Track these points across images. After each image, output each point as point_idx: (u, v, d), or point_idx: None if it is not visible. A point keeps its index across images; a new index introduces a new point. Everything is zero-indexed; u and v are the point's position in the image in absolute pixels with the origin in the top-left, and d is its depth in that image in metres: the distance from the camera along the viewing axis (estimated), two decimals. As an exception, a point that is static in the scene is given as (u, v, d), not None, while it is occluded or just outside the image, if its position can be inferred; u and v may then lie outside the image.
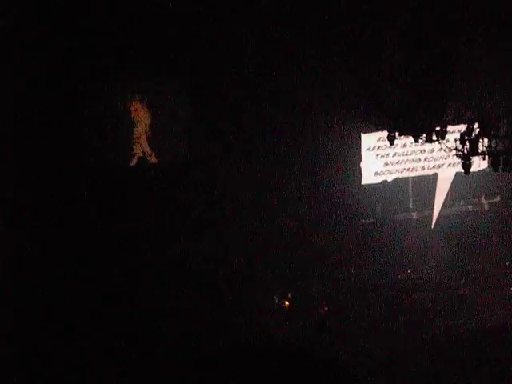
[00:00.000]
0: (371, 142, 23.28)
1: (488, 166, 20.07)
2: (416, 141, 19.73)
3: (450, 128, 19.54)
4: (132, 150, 19.94)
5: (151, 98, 19.77)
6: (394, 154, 23.51)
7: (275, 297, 21.41)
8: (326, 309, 21.14)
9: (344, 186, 22.91)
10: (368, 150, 23.36)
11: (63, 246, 18.27)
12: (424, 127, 18.93)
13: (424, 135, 19.13)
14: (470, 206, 24.77)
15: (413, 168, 23.89)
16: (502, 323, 19.83)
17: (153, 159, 20.01)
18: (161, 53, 18.43)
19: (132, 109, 19.76)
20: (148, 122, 19.85)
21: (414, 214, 24.74)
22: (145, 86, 19.78)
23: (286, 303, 21.45)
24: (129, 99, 19.69)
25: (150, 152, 20.02)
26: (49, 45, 17.54)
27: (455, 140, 18.73)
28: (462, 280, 22.42)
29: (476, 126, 18.34)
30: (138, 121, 19.77)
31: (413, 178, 24.43)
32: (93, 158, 19.16)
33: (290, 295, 21.50)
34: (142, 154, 19.99)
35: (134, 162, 19.98)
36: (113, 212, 19.01)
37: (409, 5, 16.31)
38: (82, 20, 17.60)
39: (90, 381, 16.58)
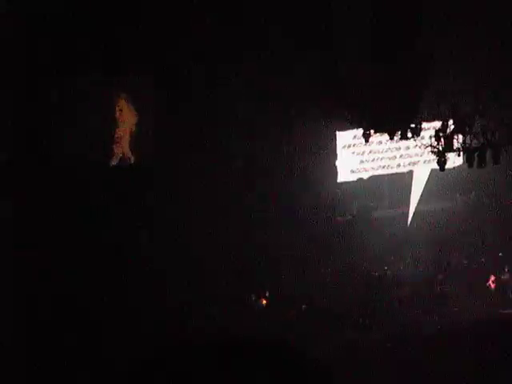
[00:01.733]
0: (347, 139, 23.33)
1: (463, 163, 20.16)
2: (391, 138, 19.79)
3: (424, 125, 19.62)
4: (112, 150, 19.75)
5: (136, 98, 19.61)
6: (370, 152, 23.57)
7: (252, 295, 21.40)
8: (302, 307, 21.16)
9: (320, 184, 22.92)
10: (343, 147, 23.40)
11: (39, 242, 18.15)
12: (399, 124, 18.98)
13: (399, 132, 19.18)
14: (445, 203, 24.88)
15: (388, 165, 23.96)
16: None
17: (131, 160, 19.85)
18: (148, 52, 18.37)
19: (117, 108, 19.57)
20: (133, 122, 19.67)
21: (390, 211, 24.81)
22: (131, 84, 19.58)
23: (264, 301, 21.44)
24: (115, 97, 19.52)
25: (129, 153, 19.84)
26: (34, 42, 17.42)
27: (430, 137, 18.83)
28: (440, 277, 22.53)
29: (451, 122, 18.44)
30: (122, 121, 19.59)
31: (388, 175, 24.51)
32: (73, 155, 18.97)
33: (267, 294, 21.50)
34: (121, 155, 19.82)
35: (114, 162, 19.81)
36: (86, 211, 18.89)
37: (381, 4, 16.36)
38: (69, 17, 17.47)
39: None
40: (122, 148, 19.75)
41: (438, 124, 19.15)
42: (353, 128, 22.09)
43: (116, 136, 19.63)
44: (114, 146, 19.72)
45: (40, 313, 17.67)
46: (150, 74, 19.25)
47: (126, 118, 19.61)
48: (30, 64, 17.51)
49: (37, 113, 18.08)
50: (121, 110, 19.59)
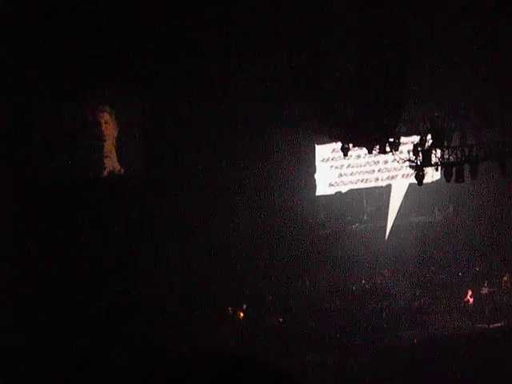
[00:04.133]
0: (325, 153, 23.36)
1: (441, 177, 20.24)
2: (370, 152, 19.81)
3: (403, 139, 19.67)
4: (103, 163, 19.65)
5: (119, 111, 19.52)
6: (348, 165, 23.61)
7: (230, 308, 21.33)
8: (279, 319, 21.10)
9: (298, 197, 22.93)
10: (322, 161, 23.43)
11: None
12: (377, 138, 19.02)
13: (377, 146, 19.22)
14: (423, 217, 24.94)
15: (367, 179, 24.01)
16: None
17: (121, 172, 19.78)
18: (130, 64, 18.30)
19: (102, 121, 19.47)
20: (115, 135, 19.59)
21: (368, 225, 24.84)
22: (114, 96, 19.50)
23: (241, 314, 21.38)
24: (99, 110, 19.43)
25: (118, 167, 19.75)
26: (21, 56, 17.34)
27: (408, 151, 18.86)
28: (418, 291, 22.54)
29: (429, 137, 18.49)
30: (107, 135, 19.50)
31: (366, 189, 24.56)
32: (62, 169, 18.88)
33: (244, 306, 21.43)
34: (111, 168, 19.72)
35: (104, 175, 19.72)
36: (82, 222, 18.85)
37: (361, 15, 16.40)
38: (57, 29, 17.40)
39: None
40: (111, 161, 19.65)
41: (416, 138, 19.19)
42: (331, 141, 22.13)
43: (104, 149, 19.54)
44: (104, 160, 19.62)
45: (36, 328, 17.58)
46: (133, 85, 19.19)
47: (112, 131, 19.53)
48: (17, 78, 17.41)
49: (22, 128, 18.00)
50: (106, 123, 19.50)
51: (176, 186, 20.10)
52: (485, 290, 22.16)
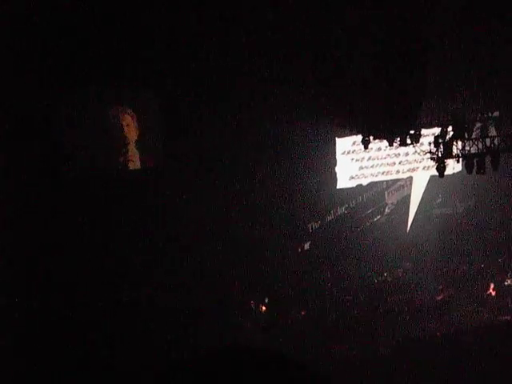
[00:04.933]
0: (346, 146, 23.34)
1: (462, 169, 20.16)
2: (390, 144, 19.77)
3: (424, 131, 19.61)
4: (128, 168, 19.65)
5: (140, 113, 19.50)
6: (369, 158, 23.58)
7: (252, 302, 21.37)
8: (303, 313, 21.13)
9: (319, 190, 22.93)
10: (343, 154, 23.41)
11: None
12: (398, 131, 18.97)
13: (398, 139, 19.17)
14: (444, 209, 24.87)
15: (387, 172, 23.97)
16: None
17: (140, 171, 19.77)
18: (151, 65, 18.31)
19: (124, 123, 19.47)
20: (136, 138, 19.58)
21: (390, 218, 24.81)
22: (135, 99, 19.46)
23: (263, 308, 21.42)
24: (121, 112, 19.43)
25: (138, 165, 19.73)
26: (41, 50, 17.37)
27: (429, 143, 18.80)
28: (441, 286, 22.46)
29: (450, 128, 18.42)
30: (130, 137, 19.50)
31: (387, 181, 24.53)
32: (84, 168, 18.91)
33: (266, 300, 21.47)
34: (131, 167, 19.70)
35: (125, 174, 19.72)
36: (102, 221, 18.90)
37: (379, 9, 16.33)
38: (78, 26, 17.41)
39: None
40: (134, 164, 19.65)
41: (437, 130, 19.12)
42: (352, 134, 22.09)
43: (128, 154, 19.53)
44: (128, 164, 19.63)
45: (46, 324, 17.63)
46: (153, 86, 19.20)
47: (134, 134, 19.52)
48: (36, 77, 17.45)
49: (42, 126, 18.06)
50: (128, 126, 19.49)
51: (198, 183, 20.12)
52: (508, 282, 22.06)
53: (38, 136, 17.90)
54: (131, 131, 19.49)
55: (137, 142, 19.54)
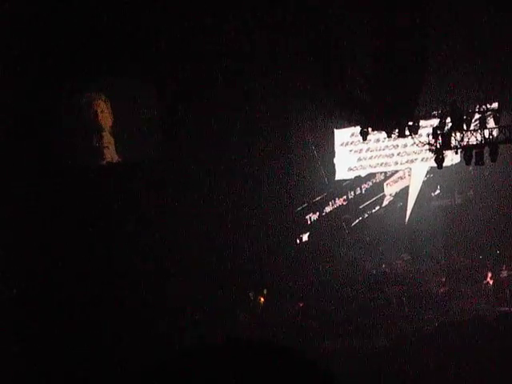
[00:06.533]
0: (344, 137, 23.33)
1: (460, 161, 20.15)
2: (389, 136, 19.76)
3: (422, 123, 19.61)
4: (103, 154, 19.51)
5: (114, 99, 19.36)
6: (368, 150, 23.56)
7: (251, 293, 21.39)
8: (301, 305, 21.13)
9: (319, 182, 22.94)
10: (341, 145, 23.40)
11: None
12: (397, 122, 18.96)
13: (397, 130, 19.16)
14: (443, 200, 24.87)
15: (386, 163, 23.95)
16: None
17: (119, 162, 19.60)
18: (128, 51, 18.16)
19: (98, 110, 19.32)
20: (110, 124, 19.40)
21: (388, 209, 24.82)
22: (108, 85, 19.29)
23: (262, 299, 21.44)
24: (94, 98, 19.27)
25: (117, 157, 19.58)
26: (17, 44, 17.26)
27: (428, 134, 18.79)
28: (443, 279, 22.47)
29: (448, 120, 18.40)
30: (104, 124, 19.34)
31: (386, 173, 24.55)
32: (63, 160, 18.75)
33: (265, 292, 21.48)
34: (110, 159, 19.56)
35: (102, 164, 19.56)
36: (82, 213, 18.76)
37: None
38: (55, 16, 17.29)
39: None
40: (110, 151, 19.50)
41: (435, 122, 19.11)
42: (350, 126, 22.08)
43: (103, 140, 19.40)
44: (104, 150, 19.46)
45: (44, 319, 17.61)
46: (130, 74, 19.02)
47: (108, 120, 19.37)
48: (20, 68, 17.34)
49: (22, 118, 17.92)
50: (102, 112, 19.34)
51: (194, 174, 20.05)
52: (504, 274, 22.07)
53: (18, 129, 17.77)
54: (105, 117, 19.35)
55: (111, 127, 19.40)
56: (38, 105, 17.94)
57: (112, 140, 19.39)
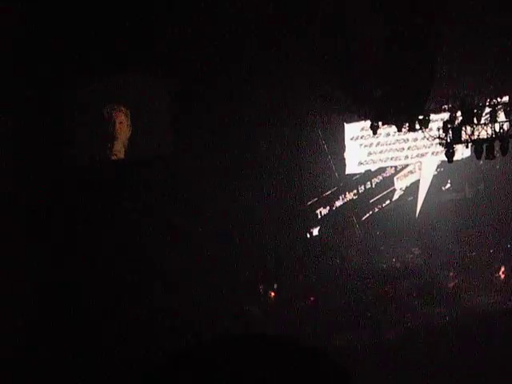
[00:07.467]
0: (354, 131, 23.29)
1: (471, 154, 20.10)
2: (399, 130, 19.73)
3: (432, 117, 19.55)
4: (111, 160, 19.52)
5: (134, 113, 19.31)
6: (378, 144, 23.52)
7: (261, 287, 21.40)
8: (312, 299, 21.14)
9: (329, 177, 22.93)
10: (351, 139, 23.36)
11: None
12: (407, 116, 18.93)
13: (407, 124, 19.14)
14: (453, 195, 24.81)
15: (396, 157, 23.92)
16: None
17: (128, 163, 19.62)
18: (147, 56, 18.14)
19: (117, 121, 19.31)
20: (127, 136, 19.38)
21: (399, 203, 24.77)
22: (131, 98, 19.22)
23: (272, 294, 21.45)
24: (115, 109, 19.26)
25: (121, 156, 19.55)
26: (38, 44, 17.28)
27: (438, 129, 18.76)
28: (452, 273, 22.44)
29: (459, 114, 18.36)
30: (120, 134, 19.31)
31: (396, 167, 24.49)
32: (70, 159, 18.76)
33: (275, 286, 21.49)
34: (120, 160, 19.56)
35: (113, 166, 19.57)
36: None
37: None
38: (74, 21, 17.28)
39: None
40: (119, 153, 19.48)
41: (446, 115, 19.07)
42: (360, 120, 22.05)
43: (114, 148, 19.37)
44: (112, 158, 19.45)
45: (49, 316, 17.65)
46: (152, 85, 19.02)
47: (125, 132, 19.31)
48: (30, 68, 17.36)
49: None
50: (120, 123, 19.32)
51: (207, 172, 20.06)
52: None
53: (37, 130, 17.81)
54: (123, 128, 19.30)
55: (128, 140, 19.39)
56: (58, 109, 18.04)
57: (122, 150, 19.42)
